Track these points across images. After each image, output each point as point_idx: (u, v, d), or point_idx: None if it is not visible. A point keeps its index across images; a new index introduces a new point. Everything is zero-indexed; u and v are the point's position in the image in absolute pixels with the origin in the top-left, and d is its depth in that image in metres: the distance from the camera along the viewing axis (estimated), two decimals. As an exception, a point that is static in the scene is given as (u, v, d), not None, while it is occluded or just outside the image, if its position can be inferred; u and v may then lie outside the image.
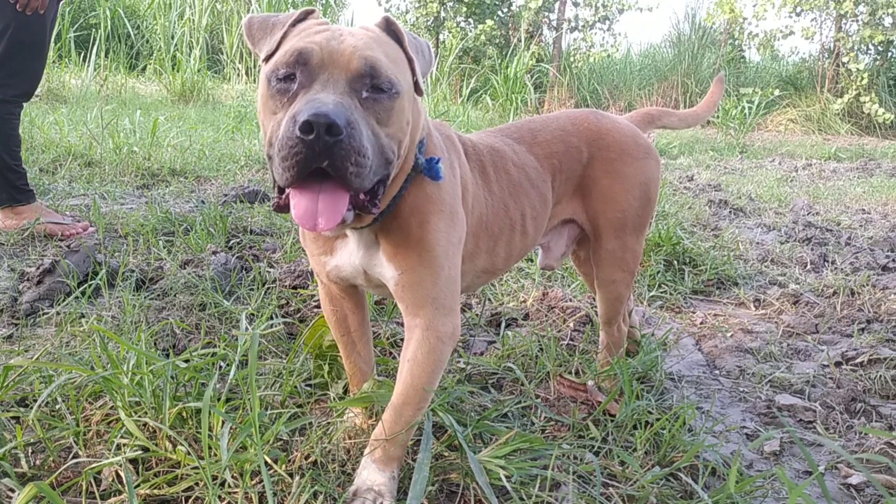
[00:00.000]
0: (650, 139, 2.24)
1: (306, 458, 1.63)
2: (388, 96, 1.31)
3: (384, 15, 1.43)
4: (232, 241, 3.43)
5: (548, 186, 1.94)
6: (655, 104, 14.13)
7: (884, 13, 12.70)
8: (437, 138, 1.62)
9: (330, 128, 1.18)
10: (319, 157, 1.20)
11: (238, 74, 12.41)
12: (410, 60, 1.41)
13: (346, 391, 1.96)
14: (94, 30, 10.91)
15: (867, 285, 3.41)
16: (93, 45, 10.29)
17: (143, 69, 11.54)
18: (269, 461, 1.54)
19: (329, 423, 1.79)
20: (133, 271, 2.80)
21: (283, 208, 1.34)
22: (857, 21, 13.23)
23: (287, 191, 1.32)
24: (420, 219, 1.51)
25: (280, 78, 1.30)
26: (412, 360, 1.53)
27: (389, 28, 1.43)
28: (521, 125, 2.03)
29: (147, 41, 11.99)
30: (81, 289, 2.55)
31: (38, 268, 2.63)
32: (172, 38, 11.60)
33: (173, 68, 10.65)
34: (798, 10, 13.55)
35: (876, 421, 2.18)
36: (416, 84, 1.42)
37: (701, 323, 3.02)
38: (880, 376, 2.42)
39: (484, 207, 1.77)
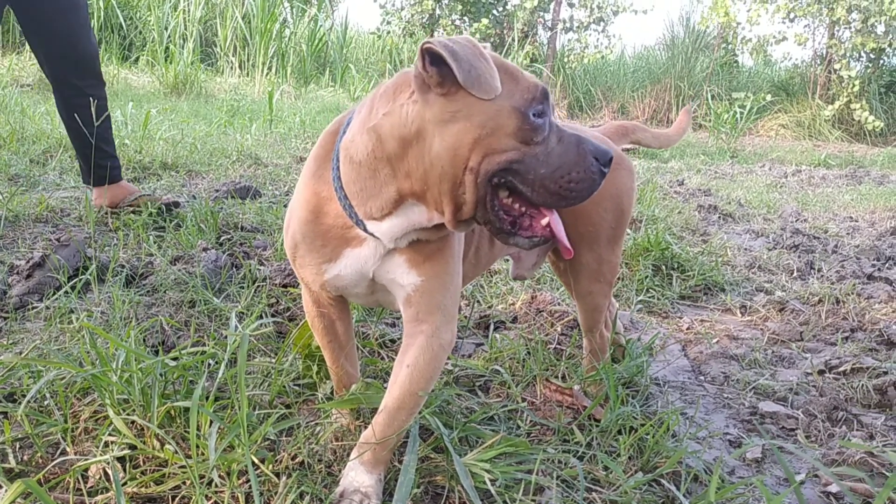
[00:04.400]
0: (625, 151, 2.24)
1: (293, 458, 1.65)
2: None
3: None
4: (222, 238, 3.43)
5: None
6: (648, 106, 14.20)
7: (876, 21, 12.79)
8: None
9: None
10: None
11: (231, 67, 12.38)
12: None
13: (333, 392, 1.97)
14: None
15: (852, 294, 3.45)
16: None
17: (136, 60, 11.50)
18: (256, 461, 1.56)
19: (317, 423, 1.80)
20: (123, 266, 2.80)
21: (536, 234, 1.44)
22: (850, 28, 13.32)
23: (530, 218, 1.43)
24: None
25: (539, 113, 1.37)
26: (412, 366, 1.54)
27: None
28: None
29: (140, 32, 11.94)
30: (71, 283, 2.55)
31: (28, 261, 2.63)
32: (166, 29, 11.56)
33: (166, 60, 10.62)
34: (791, 16, 13.63)
35: (857, 430, 2.21)
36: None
37: (687, 329, 3.05)
38: (862, 385, 2.45)
39: None
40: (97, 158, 3.43)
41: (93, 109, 3.26)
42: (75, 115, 3.32)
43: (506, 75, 1.37)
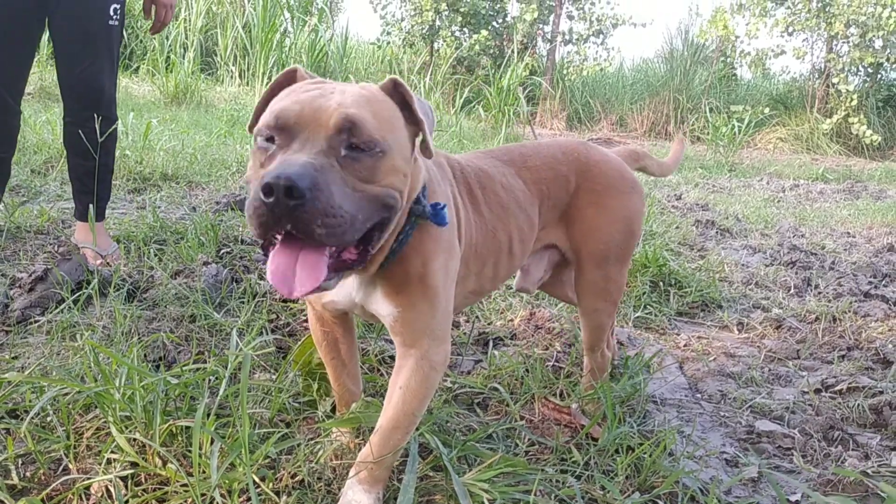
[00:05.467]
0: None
1: (293, 476, 1.66)
2: (369, 155, 1.28)
3: (392, 77, 1.42)
4: (223, 251, 3.45)
5: (535, 210, 1.97)
6: (647, 119, 14.24)
7: (874, 36, 12.85)
8: (436, 178, 1.63)
9: (290, 190, 1.15)
10: (282, 220, 1.19)
11: (231, 77, 12.41)
12: (419, 123, 1.41)
13: (333, 409, 1.99)
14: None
15: (849, 312, 3.47)
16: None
17: (137, 70, 11.53)
18: (257, 480, 1.57)
19: (317, 442, 1.82)
20: (125, 280, 2.82)
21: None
22: (848, 43, 13.38)
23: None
24: (423, 259, 1.54)
25: (265, 138, 1.31)
26: (405, 388, 1.55)
27: (396, 90, 1.42)
28: (512, 149, 2.06)
29: (141, 41, 11.97)
30: (74, 297, 2.57)
31: (30, 275, 2.64)
32: (167, 38, 11.60)
33: (167, 69, 10.65)
34: (790, 30, 13.69)
35: (853, 450, 2.23)
36: (425, 144, 1.43)
37: (685, 345, 3.07)
38: (858, 405, 2.47)
39: (473, 231, 1.78)
40: (76, 192, 3.34)
41: (82, 137, 3.20)
42: (70, 143, 3.25)
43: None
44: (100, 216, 3.34)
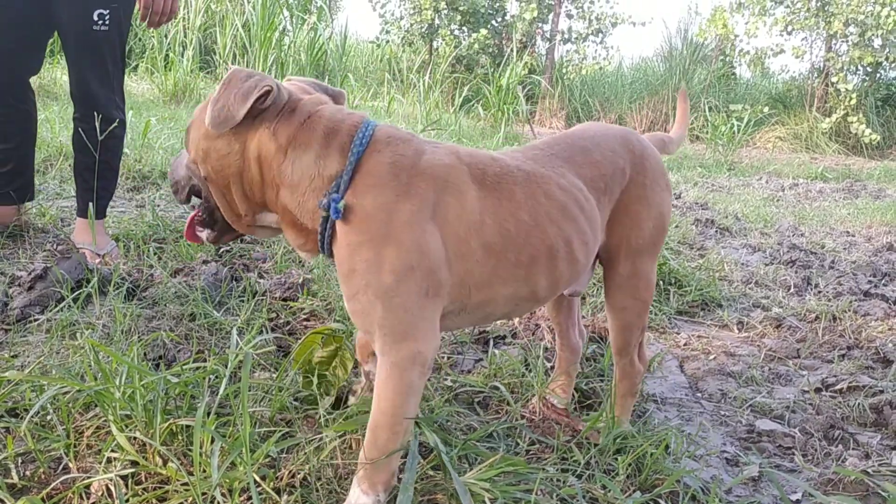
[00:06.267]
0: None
1: (292, 475, 1.66)
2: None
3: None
4: (222, 250, 3.44)
5: (594, 209, 1.85)
6: (646, 118, 14.24)
7: (873, 35, 12.86)
8: (384, 175, 1.58)
9: None
10: None
11: (231, 75, 12.39)
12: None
13: (335, 405, 1.99)
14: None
15: (849, 311, 3.47)
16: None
17: (135, 68, 11.52)
18: (258, 479, 1.57)
19: (318, 440, 1.81)
20: (124, 279, 2.81)
21: None
22: (847, 42, 13.39)
23: None
24: (350, 250, 1.54)
25: None
26: (376, 388, 1.56)
27: None
28: (573, 143, 1.92)
29: (139, 39, 11.96)
30: (73, 295, 2.56)
31: (30, 273, 2.64)
32: (166, 37, 11.58)
33: (166, 68, 10.64)
34: (789, 29, 13.69)
35: (853, 449, 2.23)
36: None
37: (685, 344, 3.07)
38: (858, 404, 2.47)
39: (496, 235, 1.66)
40: (79, 189, 3.37)
41: (86, 138, 3.23)
42: (75, 140, 3.28)
43: None
44: (100, 214, 3.34)
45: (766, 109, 12.98)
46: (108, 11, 3.08)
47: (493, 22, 14.25)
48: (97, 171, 3.28)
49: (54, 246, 3.36)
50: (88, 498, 1.54)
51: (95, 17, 3.06)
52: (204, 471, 1.53)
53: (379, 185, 1.57)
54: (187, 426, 1.67)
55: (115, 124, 3.22)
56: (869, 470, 2.08)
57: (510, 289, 1.72)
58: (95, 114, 3.14)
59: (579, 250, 1.78)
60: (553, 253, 1.73)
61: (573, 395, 2.34)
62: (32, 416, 1.70)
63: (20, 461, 1.66)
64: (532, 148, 1.90)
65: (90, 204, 3.21)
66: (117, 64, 3.24)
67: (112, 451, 1.63)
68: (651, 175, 1.98)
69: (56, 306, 2.54)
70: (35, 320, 2.47)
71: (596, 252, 1.93)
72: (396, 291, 1.53)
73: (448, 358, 2.56)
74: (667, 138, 2.31)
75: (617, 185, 1.92)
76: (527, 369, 2.43)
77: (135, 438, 1.66)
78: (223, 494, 1.52)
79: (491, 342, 2.75)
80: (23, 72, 3.18)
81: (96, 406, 1.78)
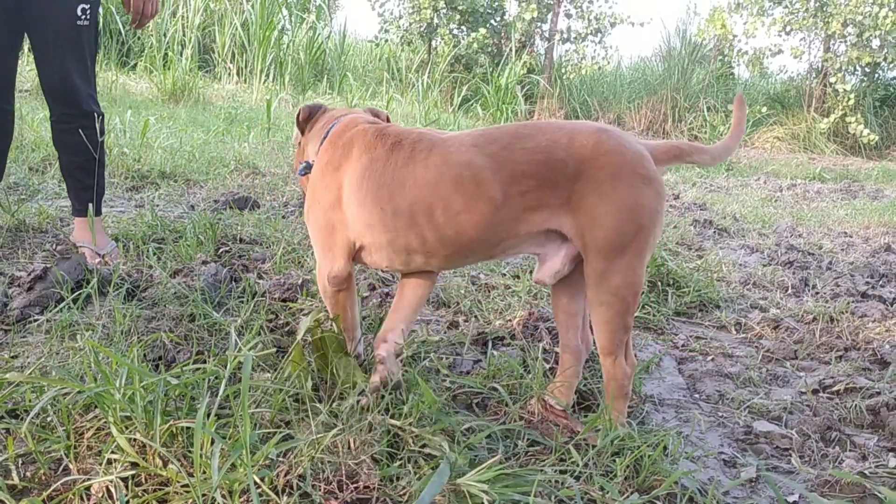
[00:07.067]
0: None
1: (286, 474, 1.66)
2: None
3: None
4: (221, 250, 3.45)
5: (497, 187, 2.00)
6: (644, 118, 14.26)
7: (871, 35, 12.88)
8: (325, 148, 2.26)
9: None
10: None
11: (229, 74, 12.40)
12: None
13: (333, 401, 1.99)
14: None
15: (846, 312, 3.48)
16: (84, 40, 10.22)
17: (134, 66, 11.51)
18: (258, 481, 1.57)
19: (316, 440, 1.82)
20: (124, 279, 2.82)
21: None
22: (845, 42, 13.42)
23: None
24: (307, 194, 2.29)
25: None
26: None
27: None
28: (518, 131, 2.09)
29: (138, 38, 11.95)
30: (73, 296, 2.57)
31: (30, 274, 2.64)
32: (164, 35, 11.58)
33: (164, 66, 10.63)
34: (788, 29, 13.72)
35: (850, 450, 2.24)
36: None
37: (683, 345, 3.08)
38: (856, 405, 2.48)
39: (390, 189, 2.07)
40: (71, 188, 3.37)
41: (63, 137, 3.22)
42: (58, 141, 3.28)
43: None
44: (98, 212, 3.35)
45: (764, 110, 13.01)
46: (89, 6, 3.10)
47: (492, 21, 14.26)
48: (88, 169, 3.28)
49: (53, 246, 3.37)
50: (89, 499, 1.55)
51: (79, 12, 3.07)
52: (204, 472, 1.54)
53: (322, 152, 2.26)
54: (187, 427, 1.67)
55: (101, 118, 3.22)
56: (866, 472, 2.09)
57: (389, 236, 2.10)
58: (76, 110, 3.13)
59: (440, 215, 2.03)
60: (430, 211, 2.03)
61: (573, 397, 2.34)
62: (33, 418, 1.70)
63: (21, 462, 1.67)
64: (484, 131, 2.15)
65: (89, 204, 3.21)
66: (93, 58, 3.25)
67: (112, 452, 1.64)
68: (610, 170, 1.99)
69: (56, 307, 2.54)
70: (35, 321, 2.48)
71: (495, 225, 2.06)
72: (310, 221, 2.25)
73: (446, 359, 2.57)
74: (688, 149, 2.22)
75: (558, 175, 2.01)
76: (525, 371, 2.44)
77: (135, 440, 1.67)
78: (223, 496, 1.53)
79: (490, 343, 2.75)
80: (5, 71, 3.16)
81: (96, 407, 1.79)
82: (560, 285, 2.22)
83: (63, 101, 3.18)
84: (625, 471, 1.87)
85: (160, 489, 1.57)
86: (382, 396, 2.02)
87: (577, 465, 1.89)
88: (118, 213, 4.14)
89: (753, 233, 5.51)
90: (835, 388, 2.65)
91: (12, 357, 2.19)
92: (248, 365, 1.56)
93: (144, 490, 1.58)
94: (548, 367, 2.59)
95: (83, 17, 3.10)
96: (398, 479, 1.71)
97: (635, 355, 2.76)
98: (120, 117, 6.63)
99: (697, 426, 2.35)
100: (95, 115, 3.22)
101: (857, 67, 13.62)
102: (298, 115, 2.40)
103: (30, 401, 1.85)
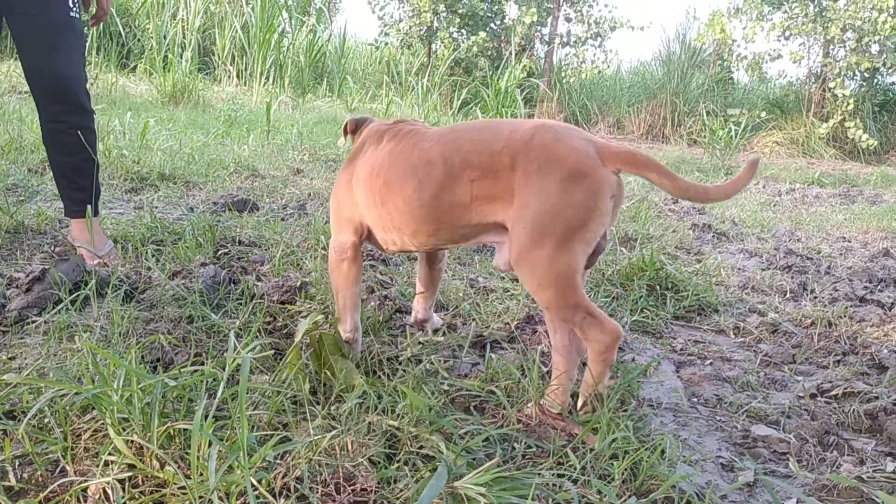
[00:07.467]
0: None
1: (283, 477, 1.66)
2: None
3: None
4: (220, 252, 3.45)
5: (444, 172, 2.17)
6: (644, 122, 14.28)
7: (870, 40, 12.91)
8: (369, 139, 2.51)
9: None
10: None
11: (229, 77, 12.41)
12: None
13: (330, 403, 1.99)
14: (85, 27, 10.87)
15: (844, 317, 3.48)
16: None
17: (134, 69, 11.52)
18: (255, 483, 1.57)
19: (314, 442, 1.82)
20: (122, 281, 2.82)
21: None
22: (845, 47, 13.44)
23: None
24: None
25: None
26: None
27: None
28: (474, 126, 2.27)
29: (139, 40, 11.96)
30: (71, 297, 2.57)
31: (28, 275, 2.64)
32: (164, 38, 11.59)
33: (164, 69, 10.64)
34: (787, 34, 13.74)
35: (848, 455, 2.24)
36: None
37: (681, 349, 3.08)
38: (854, 410, 2.48)
39: (376, 172, 2.33)
40: (65, 188, 3.29)
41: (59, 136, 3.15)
42: (52, 141, 3.19)
43: None
44: (94, 212, 3.31)
45: (763, 114, 13.02)
46: None
47: (492, 25, 14.28)
48: (83, 170, 3.23)
49: (52, 248, 3.37)
50: (85, 501, 1.55)
51: (71, 3, 3.04)
52: (201, 474, 1.54)
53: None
54: (185, 429, 1.67)
55: (94, 115, 3.19)
56: (863, 476, 2.08)
57: (375, 215, 2.35)
58: (71, 107, 3.08)
59: (415, 196, 2.22)
60: (394, 190, 2.27)
61: (570, 399, 2.34)
62: (30, 419, 1.70)
63: (17, 464, 1.67)
64: (454, 125, 2.37)
65: (87, 205, 3.20)
66: (84, 52, 3.20)
67: (109, 454, 1.64)
68: (539, 163, 2.04)
69: (54, 308, 2.54)
70: (33, 322, 2.48)
71: (446, 209, 2.22)
72: (331, 202, 2.53)
73: (445, 361, 2.57)
74: (645, 162, 2.11)
75: (498, 166, 2.11)
76: (523, 374, 2.44)
77: (132, 441, 1.67)
78: (220, 498, 1.53)
79: (488, 346, 2.75)
80: None
81: (94, 409, 1.79)
82: None
83: (58, 99, 3.08)
84: (622, 474, 1.87)
85: (157, 491, 1.57)
86: (380, 397, 2.02)
87: (575, 469, 1.89)
88: (117, 214, 4.14)
89: (752, 237, 5.51)
90: (833, 393, 2.65)
91: (10, 358, 2.19)
92: (247, 367, 1.56)
93: (141, 492, 1.58)
94: (546, 369, 2.59)
95: (75, 8, 3.05)
96: (395, 481, 1.71)
97: (633, 359, 2.77)
98: (119, 119, 6.63)
99: (695, 430, 2.35)
100: (90, 112, 3.18)
101: (857, 72, 13.64)
102: (346, 126, 2.67)
103: (27, 402, 1.85)
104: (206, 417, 1.70)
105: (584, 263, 2.11)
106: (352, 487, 1.66)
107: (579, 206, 2.03)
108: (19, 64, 6.32)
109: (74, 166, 3.21)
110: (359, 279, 2.49)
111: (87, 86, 3.21)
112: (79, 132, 3.13)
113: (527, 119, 2.30)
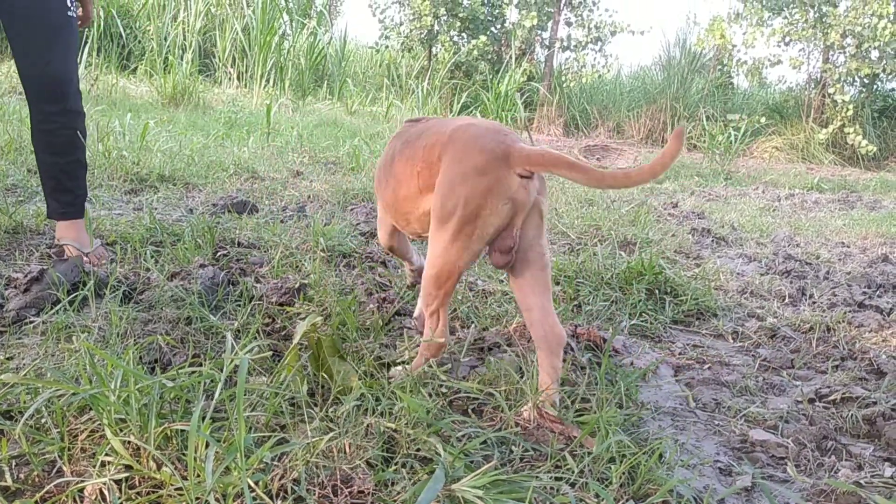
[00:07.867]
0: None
1: (280, 478, 1.66)
2: None
3: None
4: (219, 254, 3.45)
5: (399, 165, 2.40)
6: (644, 126, 14.28)
7: (870, 46, 12.93)
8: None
9: None
10: None
11: (230, 79, 12.42)
12: None
13: (328, 405, 1.99)
14: (86, 28, 10.88)
15: (843, 322, 3.48)
16: (85, 43, 10.27)
17: (134, 70, 11.53)
18: (252, 485, 1.57)
19: (311, 444, 1.82)
20: (121, 282, 2.81)
21: None
22: (844, 53, 13.46)
23: None
24: None
25: None
26: None
27: None
28: (434, 123, 2.43)
29: (139, 42, 11.97)
30: (69, 298, 2.57)
31: (26, 275, 2.64)
32: (165, 39, 11.61)
33: (165, 70, 10.65)
34: (787, 39, 13.76)
35: (846, 460, 2.24)
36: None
37: (680, 353, 3.08)
38: (852, 415, 2.47)
39: (379, 167, 2.60)
40: (51, 190, 3.23)
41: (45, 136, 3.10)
42: (41, 142, 3.13)
43: None
44: (79, 213, 3.27)
45: (762, 119, 13.03)
46: None
47: (493, 29, 14.30)
48: (71, 172, 3.20)
49: (50, 248, 3.36)
50: (82, 501, 1.55)
51: (68, 3, 3.02)
52: (198, 475, 1.54)
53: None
54: (182, 430, 1.67)
55: (82, 118, 3.16)
56: (861, 481, 2.08)
57: (383, 202, 2.56)
58: (64, 107, 3.05)
59: (385, 184, 2.50)
60: (378, 179, 2.58)
61: (568, 403, 2.33)
62: (27, 419, 1.70)
63: (14, 464, 1.67)
64: (429, 122, 2.52)
65: (70, 206, 3.18)
66: (77, 52, 3.18)
67: (106, 454, 1.64)
68: (452, 155, 2.19)
69: (52, 309, 2.54)
70: (30, 322, 2.47)
71: (410, 202, 2.40)
72: (384, 198, 2.56)
73: (443, 364, 2.57)
74: (556, 160, 2.08)
75: (433, 158, 2.26)
76: (521, 377, 2.44)
77: (129, 442, 1.66)
78: (217, 499, 1.52)
79: (487, 349, 2.75)
80: None
81: (91, 409, 1.78)
82: (514, 283, 2.31)
83: (51, 99, 3.04)
84: (620, 478, 1.87)
85: (154, 492, 1.57)
86: (378, 399, 2.01)
87: (573, 472, 1.88)
88: (116, 215, 4.13)
89: (751, 242, 5.51)
90: (831, 398, 2.65)
91: (8, 358, 2.19)
92: (244, 368, 1.56)
93: (138, 493, 1.58)
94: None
95: (73, 7, 3.02)
96: (393, 483, 1.71)
97: (631, 363, 2.77)
98: (119, 120, 6.63)
99: (693, 434, 2.35)
100: (82, 114, 3.15)
101: (856, 78, 13.66)
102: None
103: (24, 402, 1.85)
104: (204, 418, 1.70)
105: (471, 259, 2.21)
106: (349, 489, 1.66)
107: (471, 200, 2.11)
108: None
109: (63, 168, 3.16)
110: (408, 242, 2.94)
111: (87, 87, 3.21)
112: (73, 133, 3.10)
113: (477, 119, 2.44)
